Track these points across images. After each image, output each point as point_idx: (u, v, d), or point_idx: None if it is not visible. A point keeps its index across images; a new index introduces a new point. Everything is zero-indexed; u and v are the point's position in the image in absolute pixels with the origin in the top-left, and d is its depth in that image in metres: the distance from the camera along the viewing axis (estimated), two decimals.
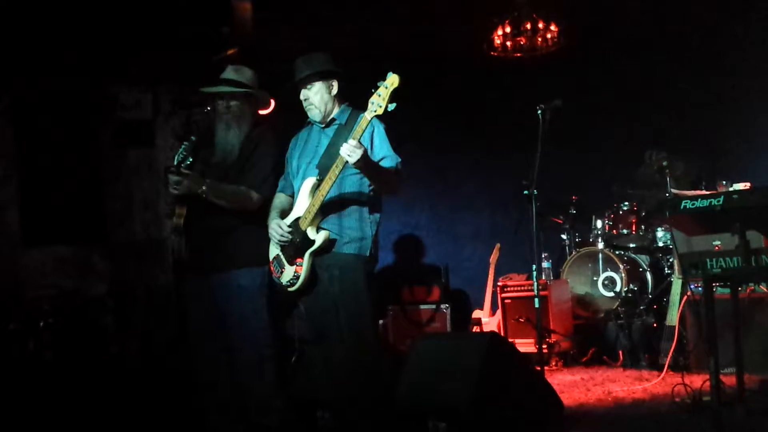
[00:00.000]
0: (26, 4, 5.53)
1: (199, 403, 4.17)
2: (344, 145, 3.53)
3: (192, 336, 4.18)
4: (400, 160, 3.86)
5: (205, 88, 4.20)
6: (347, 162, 3.55)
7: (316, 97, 3.92)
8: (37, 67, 5.97)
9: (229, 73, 4.21)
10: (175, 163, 4.01)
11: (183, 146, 4.08)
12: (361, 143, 3.55)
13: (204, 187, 3.93)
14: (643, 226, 6.64)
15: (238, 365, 4.07)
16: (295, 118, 4.22)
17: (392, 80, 3.52)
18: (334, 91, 3.95)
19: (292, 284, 3.85)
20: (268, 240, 3.98)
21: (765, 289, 5.10)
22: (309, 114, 3.98)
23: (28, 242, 6.08)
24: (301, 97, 3.94)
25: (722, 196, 3.63)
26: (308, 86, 3.91)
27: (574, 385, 5.22)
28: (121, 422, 4.69)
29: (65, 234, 6.15)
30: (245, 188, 4.05)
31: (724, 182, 5.63)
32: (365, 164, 3.60)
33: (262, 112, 5.56)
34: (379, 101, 3.52)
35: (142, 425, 4.64)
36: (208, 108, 4.27)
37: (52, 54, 5.93)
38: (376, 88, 3.53)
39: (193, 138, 4.14)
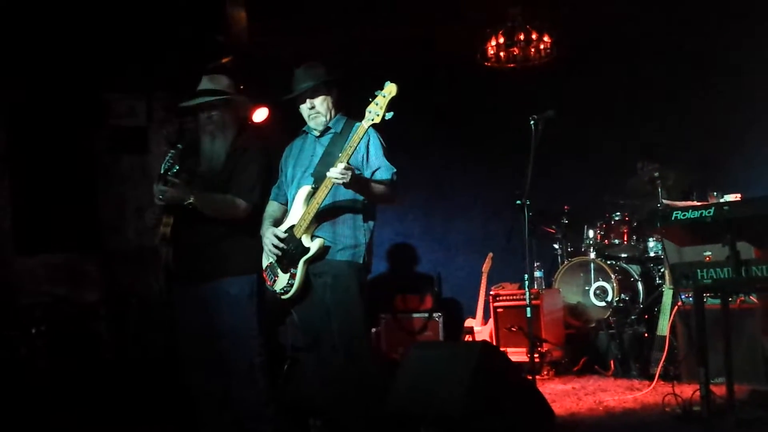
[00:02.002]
0: (21, 10, 5.53)
1: (190, 411, 4.15)
2: (332, 170, 3.58)
3: (182, 345, 4.16)
4: (395, 170, 3.88)
5: (183, 103, 4.20)
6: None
7: (323, 106, 3.97)
8: (32, 74, 5.96)
9: (205, 83, 4.19)
10: (162, 171, 3.99)
11: (170, 154, 4.05)
12: (349, 164, 3.59)
13: (192, 198, 3.92)
14: (634, 237, 6.67)
15: (229, 374, 4.06)
16: (291, 124, 4.23)
17: (390, 89, 3.56)
18: (335, 100, 4.00)
19: (286, 292, 3.86)
20: (257, 248, 3.99)
21: (755, 300, 5.13)
22: (313, 123, 4.00)
23: (20, 249, 6.06)
24: (307, 106, 3.97)
25: (713, 208, 3.66)
26: (315, 96, 3.95)
27: (565, 395, 5.24)
28: (113, 430, 4.68)
29: (58, 241, 6.13)
30: (232, 197, 4.04)
31: (714, 193, 5.66)
32: (356, 184, 3.65)
33: (256, 120, 5.58)
34: (376, 110, 3.56)
35: None
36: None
37: (47, 60, 5.93)
38: (374, 97, 3.57)
39: (179, 145, 4.10)
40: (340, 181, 3.58)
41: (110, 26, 5.75)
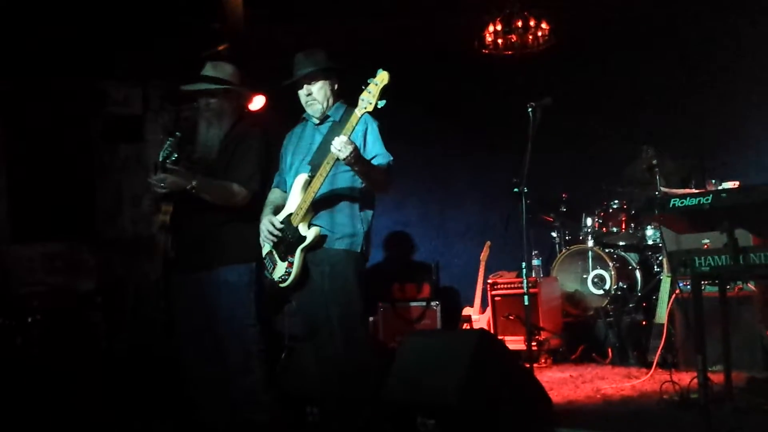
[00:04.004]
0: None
1: (187, 399, 4.15)
2: (335, 140, 3.54)
3: (180, 333, 4.16)
4: (392, 158, 3.85)
5: (185, 87, 4.18)
6: (338, 158, 3.56)
7: (320, 93, 3.92)
8: (28, 62, 5.94)
9: (208, 69, 4.18)
10: (161, 159, 3.97)
11: (168, 142, 4.02)
12: (351, 140, 3.56)
13: (194, 182, 3.91)
14: (632, 224, 6.67)
15: (226, 361, 4.05)
16: (288, 113, 4.21)
17: (382, 77, 3.53)
18: (335, 88, 3.97)
19: (284, 280, 3.85)
20: (256, 236, 3.97)
21: (753, 288, 5.13)
22: (310, 110, 3.97)
23: (16, 237, 6.05)
24: (304, 93, 3.93)
25: (711, 195, 3.65)
26: (312, 82, 3.91)
27: (563, 382, 5.24)
28: (110, 418, 4.67)
29: (54, 229, 6.12)
30: (231, 183, 4.03)
31: (713, 181, 5.66)
32: (356, 161, 3.60)
33: (253, 108, 5.56)
34: (369, 98, 3.53)
35: (131, 422, 4.62)
36: (196, 104, 4.25)
37: (43, 48, 5.90)
38: (366, 85, 3.55)
39: (177, 133, 4.08)
40: (341, 154, 3.53)
41: (106, 14, 5.73)
